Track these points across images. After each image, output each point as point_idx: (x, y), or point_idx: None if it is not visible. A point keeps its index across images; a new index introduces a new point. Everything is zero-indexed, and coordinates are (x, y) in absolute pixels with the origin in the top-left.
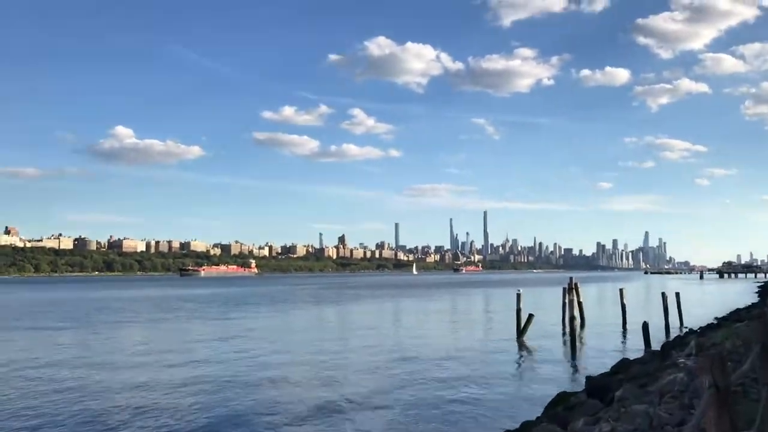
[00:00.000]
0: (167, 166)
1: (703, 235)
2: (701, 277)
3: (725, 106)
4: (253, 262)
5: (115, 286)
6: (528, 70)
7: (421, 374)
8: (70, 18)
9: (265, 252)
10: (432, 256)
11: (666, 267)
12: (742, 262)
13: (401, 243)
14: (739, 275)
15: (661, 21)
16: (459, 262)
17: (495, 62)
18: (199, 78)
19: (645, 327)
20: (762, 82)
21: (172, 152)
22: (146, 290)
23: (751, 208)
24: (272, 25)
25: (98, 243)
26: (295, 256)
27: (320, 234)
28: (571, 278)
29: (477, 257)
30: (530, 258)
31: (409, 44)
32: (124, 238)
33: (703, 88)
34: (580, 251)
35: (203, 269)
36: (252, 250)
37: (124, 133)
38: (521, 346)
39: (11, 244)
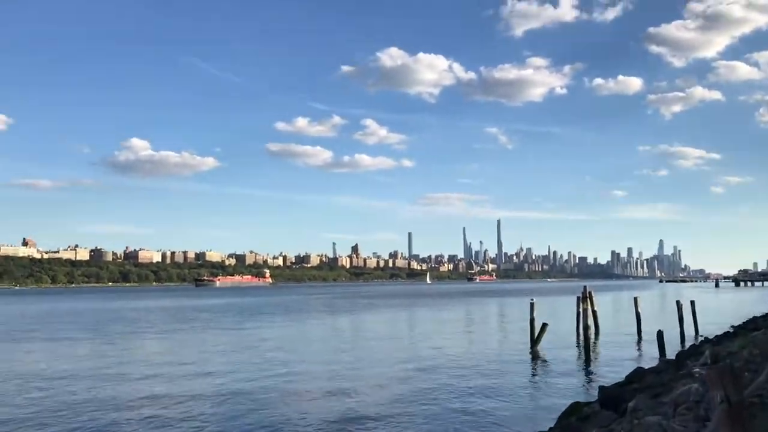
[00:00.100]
0: (182, 177)
1: (718, 243)
2: (717, 285)
3: (739, 113)
4: (267, 272)
5: (130, 297)
6: (540, 79)
7: (435, 385)
8: (86, 30)
9: (279, 262)
10: (445, 265)
11: (681, 275)
12: (759, 270)
13: (414, 252)
14: (756, 283)
15: (674, 29)
16: (473, 271)
17: (507, 72)
18: (213, 90)
19: (660, 336)
20: None
21: (187, 164)
22: (162, 301)
23: (766, 216)
24: (285, 37)
25: (114, 254)
26: (308, 265)
27: (333, 244)
28: (585, 287)
29: (491, 266)
30: (544, 267)
31: (421, 55)
32: (140, 249)
33: (716, 95)
34: (595, 260)
35: (218, 279)
36: (266, 260)
37: (140, 145)
38: (535, 355)
39: (29, 256)
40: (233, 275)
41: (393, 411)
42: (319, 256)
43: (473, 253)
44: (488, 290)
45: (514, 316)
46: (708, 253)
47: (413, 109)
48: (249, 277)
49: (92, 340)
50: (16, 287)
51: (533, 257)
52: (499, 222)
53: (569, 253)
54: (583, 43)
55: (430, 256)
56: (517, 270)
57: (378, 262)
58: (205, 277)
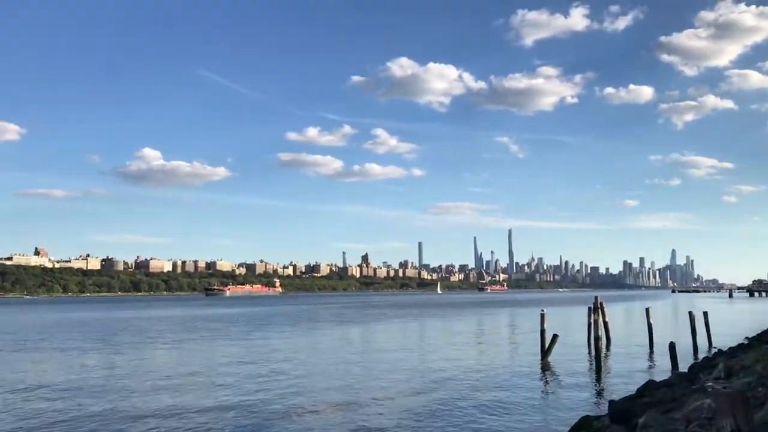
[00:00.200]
0: (194, 187)
1: (731, 252)
2: (730, 296)
3: (752, 122)
4: (277, 281)
5: (141, 307)
6: (551, 88)
7: (445, 398)
8: (98, 42)
9: (290, 271)
10: (456, 274)
11: (694, 285)
12: None
13: (425, 262)
14: None
15: (685, 38)
16: (484, 281)
17: (518, 81)
18: (224, 100)
19: (672, 347)
20: None
21: (198, 173)
22: (172, 310)
23: None
24: (296, 48)
25: (125, 263)
26: (318, 275)
27: (344, 253)
28: (596, 297)
29: (502, 276)
30: (556, 277)
31: (431, 64)
32: (151, 259)
33: (728, 104)
34: (607, 270)
35: (228, 289)
36: (276, 270)
37: (152, 155)
38: (545, 367)
39: (41, 265)
40: (243, 285)
41: (402, 424)
42: (329, 265)
43: (484, 262)
44: (499, 300)
45: (525, 327)
46: (721, 263)
47: (423, 118)
48: (259, 286)
49: (101, 350)
50: (26, 297)
51: (545, 267)
52: (510, 231)
53: (581, 263)
54: (594, 52)
55: (440, 266)
56: (528, 280)
57: (388, 271)
58: (216, 287)
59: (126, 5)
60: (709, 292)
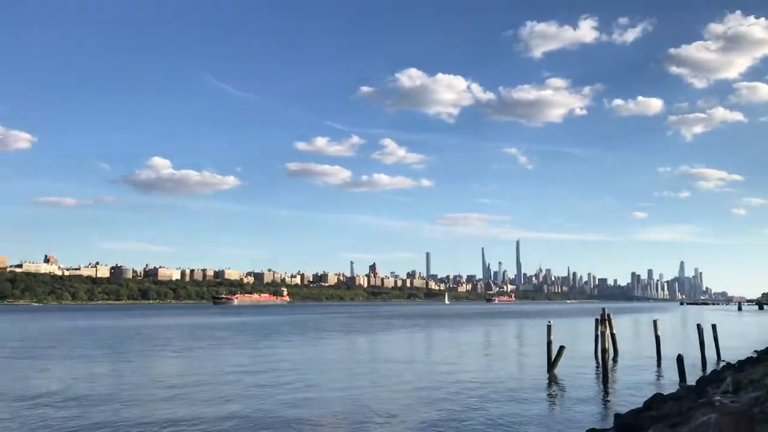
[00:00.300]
0: (203, 196)
1: (740, 265)
2: (739, 309)
3: (761, 134)
4: (285, 291)
5: (149, 315)
6: (560, 100)
7: (451, 411)
8: (108, 50)
9: (297, 280)
10: (464, 285)
11: (702, 298)
12: None
13: (432, 272)
14: None
15: (694, 50)
16: (491, 292)
17: (526, 92)
18: (234, 110)
19: (680, 360)
20: None
21: (207, 182)
22: (180, 319)
23: None
24: (305, 58)
25: (134, 271)
26: (326, 284)
27: (351, 263)
28: (603, 309)
29: (510, 287)
30: (564, 288)
31: (440, 75)
32: (160, 267)
33: (738, 116)
34: (615, 281)
35: (236, 297)
36: (284, 279)
37: (161, 164)
38: (552, 379)
39: (50, 273)
40: (251, 293)
41: None
42: (336, 275)
43: (492, 273)
44: (507, 311)
45: (533, 338)
46: (730, 276)
47: (432, 129)
48: (267, 295)
49: (109, 359)
50: (34, 304)
51: (552, 278)
52: (518, 242)
53: (589, 274)
54: (603, 64)
55: (448, 276)
56: (536, 291)
57: (396, 281)
58: (224, 296)
59: (137, 15)
60: (718, 304)
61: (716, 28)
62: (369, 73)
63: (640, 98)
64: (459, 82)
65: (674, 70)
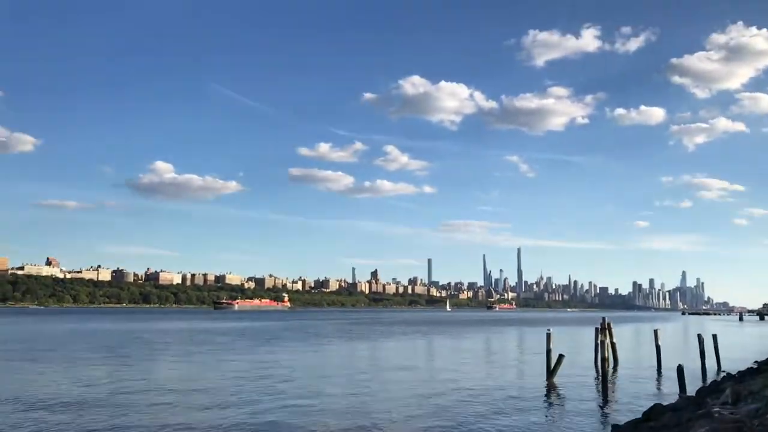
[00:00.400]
0: (205, 200)
1: (742, 275)
2: (741, 319)
3: (763, 145)
4: (286, 296)
5: (149, 319)
6: (562, 108)
7: (449, 420)
8: (112, 55)
9: (299, 286)
10: (465, 292)
11: (704, 308)
12: None
13: (434, 279)
14: None
15: (697, 60)
16: (492, 300)
17: (528, 101)
18: (237, 115)
19: (680, 370)
20: None
21: (210, 187)
22: (180, 323)
23: None
24: (309, 64)
25: (135, 275)
26: (327, 290)
27: (353, 269)
28: (603, 318)
29: (510, 295)
30: (565, 296)
31: (443, 83)
32: (161, 271)
33: (740, 127)
34: (616, 290)
35: (237, 302)
36: (285, 284)
37: (164, 168)
38: (550, 388)
39: (51, 275)
40: (252, 299)
41: None
42: (338, 281)
43: (493, 281)
44: (508, 319)
45: (532, 347)
46: (732, 286)
47: (435, 136)
48: (268, 300)
49: (107, 363)
50: (32, 307)
51: (553, 286)
52: (519, 250)
53: (590, 283)
54: (605, 73)
55: (449, 283)
56: (537, 299)
57: (397, 288)
58: (224, 300)
59: (141, 19)
60: (720, 315)
61: (718, 38)
62: (372, 80)
63: (642, 107)
64: (462, 90)
65: (676, 79)
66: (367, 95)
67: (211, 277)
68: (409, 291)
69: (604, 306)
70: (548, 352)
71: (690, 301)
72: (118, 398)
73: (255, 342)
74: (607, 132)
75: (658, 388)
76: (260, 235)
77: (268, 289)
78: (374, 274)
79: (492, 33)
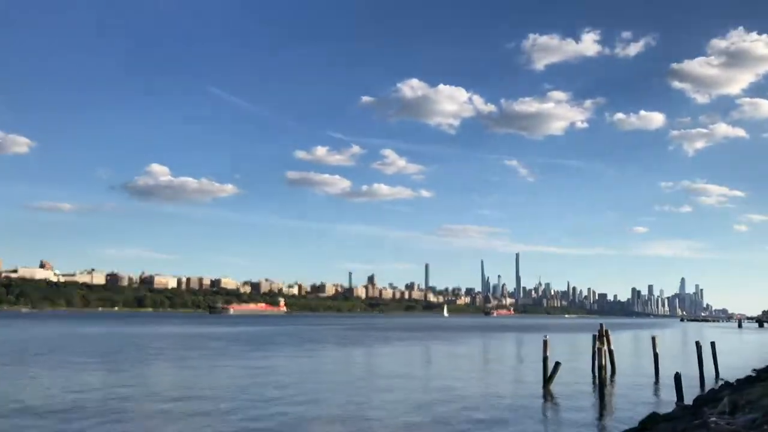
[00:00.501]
0: (201, 203)
1: (741, 282)
2: (740, 326)
3: (763, 151)
4: (282, 301)
5: (144, 323)
6: (561, 113)
7: (444, 427)
8: (108, 57)
9: (295, 291)
10: (462, 298)
11: (703, 314)
12: None
13: (431, 284)
14: None
15: (697, 66)
16: (490, 305)
17: (528, 105)
18: (234, 118)
19: (677, 379)
20: None
21: (206, 190)
22: (175, 327)
23: None
24: (307, 67)
25: (130, 278)
26: (324, 295)
27: (350, 273)
28: (601, 325)
29: (508, 300)
30: (563, 303)
31: (441, 86)
32: (156, 274)
33: (740, 132)
34: (615, 297)
35: (232, 307)
36: (281, 289)
37: (160, 171)
38: (547, 395)
39: (45, 279)
40: (248, 303)
41: None
42: (334, 285)
43: (491, 286)
44: (505, 325)
45: (530, 353)
46: (731, 293)
47: (433, 140)
48: (263, 305)
49: (100, 368)
50: (25, 310)
51: (552, 292)
52: (517, 256)
53: (589, 289)
54: (605, 78)
55: (447, 289)
56: (535, 305)
57: (394, 293)
58: (220, 305)
59: (138, 22)
60: (719, 321)
61: (719, 43)
62: (370, 83)
63: (642, 112)
64: (460, 93)
65: (676, 84)
66: (365, 98)
67: (206, 281)
68: (406, 296)
69: (603, 312)
70: (545, 359)
71: (689, 307)
72: (110, 404)
73: (249, 347)
74: (607, 137)
75: (655, 397)
76: (256, 238)
77: (264, 293)
78: (371, 278)
79: (491, 36)
